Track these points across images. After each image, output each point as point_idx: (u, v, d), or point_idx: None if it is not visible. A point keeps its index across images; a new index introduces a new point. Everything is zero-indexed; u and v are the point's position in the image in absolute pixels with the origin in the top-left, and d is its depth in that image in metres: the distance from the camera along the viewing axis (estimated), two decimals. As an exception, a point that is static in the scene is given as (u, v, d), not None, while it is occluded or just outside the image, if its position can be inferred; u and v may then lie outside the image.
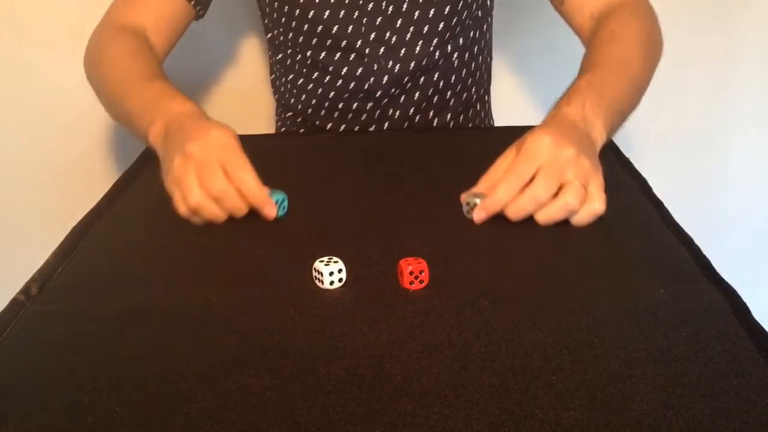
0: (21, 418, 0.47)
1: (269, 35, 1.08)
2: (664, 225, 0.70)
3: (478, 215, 0.70)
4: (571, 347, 0.52)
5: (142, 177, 0.86)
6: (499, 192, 0.69)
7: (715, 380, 0.48)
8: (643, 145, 1.35)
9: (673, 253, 0.65)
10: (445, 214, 0.74)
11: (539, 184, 0.67)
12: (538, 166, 0.68)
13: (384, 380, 0.49)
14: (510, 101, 1.34)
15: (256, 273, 0.63)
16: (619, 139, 0.90)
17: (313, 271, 0.61)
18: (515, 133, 0.73)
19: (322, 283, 0.60)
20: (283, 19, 1.02)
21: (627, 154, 0.87)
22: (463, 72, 1.05)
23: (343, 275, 0.61)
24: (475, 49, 1.07)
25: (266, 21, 1.07)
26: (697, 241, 0.66)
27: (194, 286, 0.61)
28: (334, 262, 0.60)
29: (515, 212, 0.69)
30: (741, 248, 1.44)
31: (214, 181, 0.70)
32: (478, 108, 1.11)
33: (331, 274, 0.60)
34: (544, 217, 0.68)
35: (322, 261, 0.61)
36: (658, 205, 0.74)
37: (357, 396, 0.48)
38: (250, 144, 0.74)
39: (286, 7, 1.00)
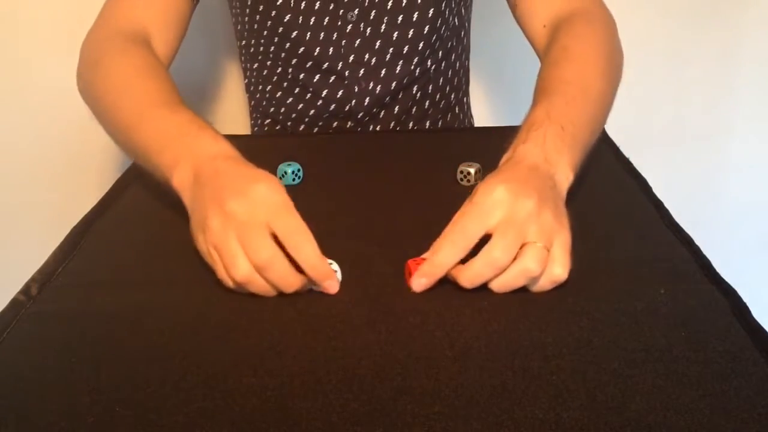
0: (21, 418, 0.47)
1: (242, 42, 1.06)
2: (664, 225, 0.70)
3: (418, 284, 0.59)
4: (571, 347, 0.52)
5: (142, 177, 0.86)
6: (441, 255, 0.58)
7: (715, 380, 0.48)
8: (643, 145, 1.35)
9: (673, 253, 0.65)
10: (446, 214, 0.74)
11: (497, 246, 0.57)
12: (491, 224, 0.58)
13: (384, 380, 0.49)
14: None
15: (256, 273, 0.63)
16: (619, 139, 0.90)
17: None
18: (514, 132, 0.73)
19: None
20: (265, 32, 0.99)
21: (627, 154, 0.87)
22: (441, 81, 1.05)
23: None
24: (453, 56, 1.06)
25: (239, 28, 1.05)
26: (697, 241, 0.66)
27: (194, 286, 0.61)
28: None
29: (470, 280, 0.58)
30: (741, 248, 1.44)
31: (261, 247, 0.58)
32: (457, 111, 1.10)
33: None
34: (499, 285, 0.58)
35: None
36: (658, 205, 0.74)
37: (357, 396, 0.48)
38: (242, 144, 0.74)
39: (269, 23, 0.98)
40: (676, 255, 0.64)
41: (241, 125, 1.32)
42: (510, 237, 0.57)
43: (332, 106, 1.00)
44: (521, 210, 0.58)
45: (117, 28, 0.85)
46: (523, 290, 0.59)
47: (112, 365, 0.52)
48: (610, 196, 0.78)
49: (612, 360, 0.50)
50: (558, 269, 0.58)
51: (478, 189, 0.61)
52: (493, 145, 0.71)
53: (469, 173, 0.79)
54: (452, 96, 1.07)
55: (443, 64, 1.04)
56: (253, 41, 1.03)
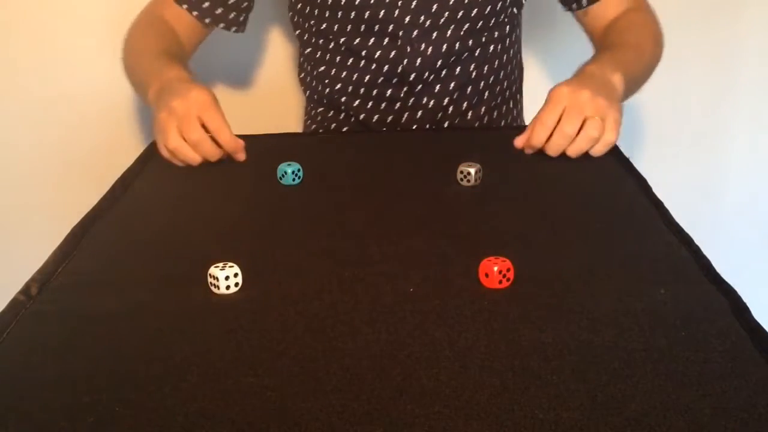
0: (21, 418, 0.47)
1: (298, 32, 1.11)
2: (664, 225, 0.70)
3: (527, 150, 0.87)
4: (571, 347, 0.52)
5: (142, 177, 0.86)
6: (534, 138, 0.85)
7: (715, 380, 0.48)
8: (643, 145, 1.35)
9: (673, 253, 0.65)
10: (446, 214, 0.74)
11: (566, 123, 0.83)
12: (560, 111, 0.83)
13: (384, 380, 0.49)
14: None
15: (256, 273, 0.63)
16: (619, 139, 0.90)
17: (209, 277, 0.60)
18: (514, 132, 0.73)
19: (218, 288, 0.60)
20: (316, 11, 1.04)
21: (627, 154, 0.87)
22: (496, 64, 1.07)
23: (239, 279, 0.60)
24: (507, 42, 1.08)
25: (295, 18, 1.09)
26: (697, 241, 0.66)
27: (194, 285, 0.61)
28: (230, 266, 0.60)
29: (553, 149, 0.84)
30: (741, 248, 1.44)
31: (192, 130, 0.85)
32: (511, 105, 1.12)
33: (227, 278, 0.60)
34: (574, 150, 0.84)
35: (218, 266, 0.60)
36: (658, 205, 0.74)
37: (357, 396, 0.48)
38: (256, 144, 0.75)
39: None
40: (676, 255, 0.64)
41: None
42: (574, 116, 0.83)
43: (385, 68, 1.03)
44: (581, 98, 0.83)
45: (154, 13, 1.07)
46: (523, 290, 0.59)
47: (112, 365, 0.52)
48: (610, 196, 0.78)
49: (612, 360, 0.50)
50: (610, 135, 0.83)
51: (550, 92, 0.85)
52: (493, 145, 0.71)
53: (469, 173, 0.79)
54: (506, 85, 1.10)
55: (499, 47, 1.07)
56: (306, 24, 1.07)
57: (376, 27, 1.01)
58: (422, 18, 1.00)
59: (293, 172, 0.80)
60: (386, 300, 0.58)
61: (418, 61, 1.02)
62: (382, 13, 1.00)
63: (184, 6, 1.05)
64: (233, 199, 0.80)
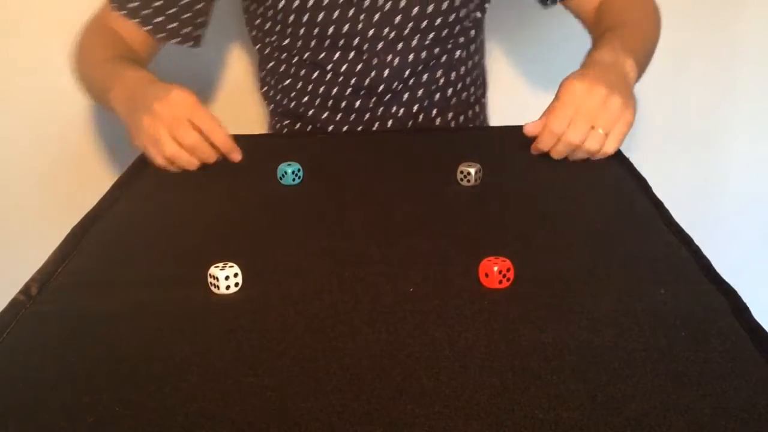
0: (21, 418, 0.47)
1: (258, 46, 1.08)
2: (664, 225, 0.70)
3: (533, 150, 0.85)
4: (571, 347, 0.52)
5: (142, 177, 0.86)
6: (541, 143, 0.84)
7: (715, 380, 0.48)
8: (643, 145, 1.35)
9: (673, 253, 0.65)
10: (446, 214, 0.74)
11: (572, 133, 0.81)
12: (571, 115, 0.80)
13: (384, 380, 0.49)
14: (504, 105, 1.34)
15: (256, 273, 0.63)
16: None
17: (209, 277, 0.60)
18: (514, 132, 0.73)
19: (218, 288, 0.60)
20: (278, 27, 1.02)
21: (627, 154, 0.87)
22: (462, 70, 1.06)
23: (239, 279, 0.60)
24: (473, 47, 1.07)
25: (255, 33, 1.07)
26: (697, 241, 0.66)
27: (194, 285, 0.61)
28: (230, 266, 0.60)
29: (556, 154, 0.84)
30: (741, 248, 1.44)
31: (187, 134, 0.83)
32: (478, 110, 1.11)
33: (227, 278, 0.60)
34: (572, 158, 0.84)
35: (218, 266, 0.60)
36: (658, 205, 0.74)
37: (357, 396, 0.48)
38: (242, 144, 0.75)
39: (280, 15, 1.00)
40: (676, 255, 0.64)
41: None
42: (582, 125, 0.81)
43: (353, 81, 1.01)
44: (594, 99, 0.80)
45: (101, 23, 1.03)
46: (523, 290, 0.59)
47: (112, 365, 0.52)
48: (610, 196, 0.78)
49: (612, 360, 0.50)
50: (609, 147, 0.83)
51: (561, 87, 0.82)
52: (493, 145, 0.71)
53: (469, 173, 0.79)
54: (472, 90, 1.10)
55: (464, 53, 1.06)
56: (267, 40, 1.05)
57: (341, 42, 1.00)
58: (386, 30, 0.99)
59: (293, 172, 0.80)
60: (386, 300, 0.58)
61: (386, 72, 1.01)
62: (345, 27, 0.99)
63: (135, 20, 1.01)
64: (233, 199, 0.80)
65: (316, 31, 1.00)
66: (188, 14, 1.02)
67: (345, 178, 0.84)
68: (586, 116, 0.80)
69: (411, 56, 1.01)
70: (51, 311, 0.59)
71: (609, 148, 0.82)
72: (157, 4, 1.00)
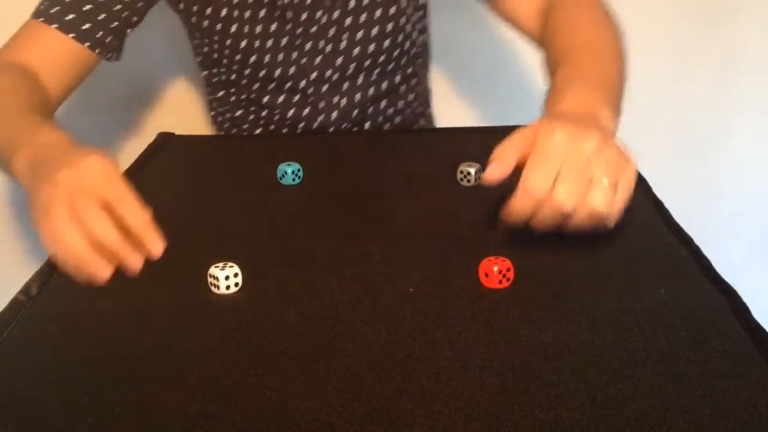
0: (21, 418, 0.47)
1: (205, 73, 1.05)
2: (664, 225, 0.70)
3: (510, 218, 0.59)
4: (571, 347, 0.52)
5: (141, 178, 0.86)
6: (516, 211, 0.59)
7: (715, 380, 0.48)
8: (643, 145, 1.34)
9: (673, 253, 0.65)
10: (446, 215, 0.74)
11: (563, 190, 0.57)
12: (558, 166, 0.58)
13: (384, 380, 0.49)
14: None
15: (256, 273, 0.63)
16: (619, 141, 0.90)
17: (209, 277, 0.60)
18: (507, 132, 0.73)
19: (218, 288, 0.60)
20: (224, 61, 0.98)
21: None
22: (410, 97, 1.05)
23: (239, 279, 0.60)
24: (420, 71, 1.06)
25: (200, 59, 1.03)
26: (697, 241, 0.66)
27: (194, 285, 0.61)
28: (230, 266, 0.60)
29: (539, 225, 0.59)
30: (741, 248, 1.44)
31: (88, 211, 0.60)
32: (424, 124, 1.11)
33: (227, 278, 0.60)
34: (572, 229, 0.59)
35: (218, 266, 0.60)
36: (658, 205, 0.74)
37: (357, 396, 0.48)
38: (242, 144, 0.73)
39: (227, 51, 0.97)
40: (676, 255, 0.64)
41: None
42: (574, 177, 0.57)
43: (301, 125, 1.00)
44: (585, 147, 0.58)
45: (5, 62, 0.87)
46: (523, 290, 0.59)
47: (112, 365, 0.52)
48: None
49: (612, 360, 0.50)
50: (619, 206, 0.59)
51: (538, 132, 0.60)
52: (493, 145, 0.71)
53: (469, 173, 0.79)
54: (420, 110, 1.08)
55: (412, 81, 1.04)
56: (215, 70, 1.02)
57: (286, 85, 0.97)
58: (329, 72, 0.97)
59: (293, 172, 0.80)
60: (386, 300, 0.58)
61: (334, 114, 0.99)
62: (291, 70, 0.96)
63: (54, 25, 0.87)
64: (233, 199, 0.80)
65: (262, 73, 0.97)
66: (116, 23, 0.90)
67: (345, 178, 0.84)
68: (578, 167, 0.58)
69: (358, 95, 0.99)
70: (51, 311, 0.59)
71: (618, 206, 0.60)
72: (86, 8, 0.88)
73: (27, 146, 0.69)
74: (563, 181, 0.57)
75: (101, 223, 0.60)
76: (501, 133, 0.71)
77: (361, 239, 0.68)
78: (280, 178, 0.81)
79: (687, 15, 1.30)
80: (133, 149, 1.37)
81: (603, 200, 0.58)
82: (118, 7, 0.90)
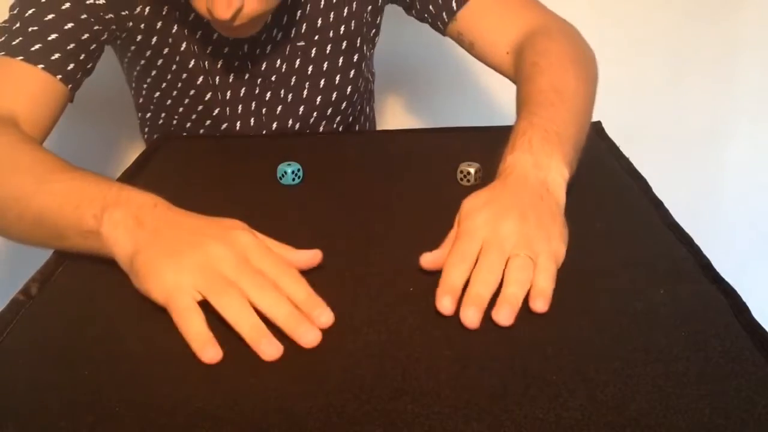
0: (21, 418, 0.47)
1: (147, 115, 1.00)
2: (664, 225, 0.70)
3: (445, 307, 0.55)
4: (571, 347, 0.52)
5: (141, 178, 0.86)
6: (451, 276, 0.58)
7: (715, 380, 0.48)
8: (643, 145, 1.35)
9: (673, 253, 0.65)
10: (446, 214, 0.74)
11: (483, 267, 0.58)
12: (478, 247, 0.59)
13: (384, 380, 0.49)
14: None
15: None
16: (619, 139, 0.90)
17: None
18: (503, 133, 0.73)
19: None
20: (181, 109, 0.96)
21: (627, 154, 0.87)
22: (357, 127, 1.09)
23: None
24: (368, 101, 1.09)
25: (141, 101, 0.99)
26: (697, 241, 0.66)
27: (194, 286, 0.61)
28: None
29: (468, 312, 0.55)
30: (741, 248, 1.44)
31: (275, 298, 0.54)
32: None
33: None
34: (504, 302, 0.56)
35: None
36: (658, 205, 0.74)
37: (357, 396, 0.48)
38: (242, 144, 0.73)
39: (186, 100, 0.94)
40: (676, 255, 0.64)
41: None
42: (494, 255, 0.58)
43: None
44: (503, 229, 0.60)
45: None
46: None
47: (112, 365, 0.52)
48: (610, 196, 0.78)
49: (612, 360, 0.50)
50: (543, 281, 0.57)
51: (461, 212, 0.63)
52: (493, 145, 0.71)
53: (469, 173, 0.79)
54: (366, 127, 1.13)
55: (362, 117, 1.08)
56: (163, 115, 0.97)
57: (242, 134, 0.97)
58: (291, 122, 0.97)
59: (293, 172, 0.80)
60: (386, 300, 0.58)
61: None
62: (251, 121, 0.96)
63: (41, 66, 0.79)
64: (233, 199, 0.80)
65: (224, 126, 0.95)
66: (83, 55, 0.83)
67: (345, 178, 0.84)
68: (496, 246, 0.59)
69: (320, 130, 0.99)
70: (51, 311, 0.59)
71: (542, 283, 0.57)
72: (52, 38, 0.80)
73: (118, 202, 0.60)
74: (483, 258, 0.59)
75: (277, 300, 0.54)
76: (501, 133, 0.71)
77: (361, 239, 0.68)
78: (280, 178, 0.81)
79: (687, 15, 1.30)
80: (132, 149, 1.38)
81: (525, 271, 0.57)
82: (86, 36, 0.82)
